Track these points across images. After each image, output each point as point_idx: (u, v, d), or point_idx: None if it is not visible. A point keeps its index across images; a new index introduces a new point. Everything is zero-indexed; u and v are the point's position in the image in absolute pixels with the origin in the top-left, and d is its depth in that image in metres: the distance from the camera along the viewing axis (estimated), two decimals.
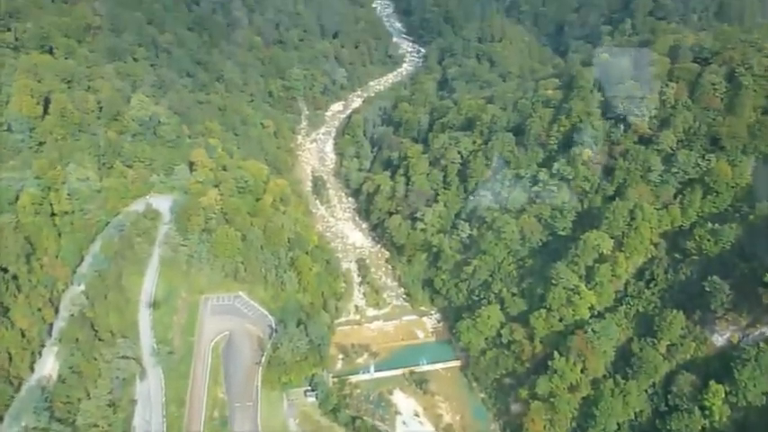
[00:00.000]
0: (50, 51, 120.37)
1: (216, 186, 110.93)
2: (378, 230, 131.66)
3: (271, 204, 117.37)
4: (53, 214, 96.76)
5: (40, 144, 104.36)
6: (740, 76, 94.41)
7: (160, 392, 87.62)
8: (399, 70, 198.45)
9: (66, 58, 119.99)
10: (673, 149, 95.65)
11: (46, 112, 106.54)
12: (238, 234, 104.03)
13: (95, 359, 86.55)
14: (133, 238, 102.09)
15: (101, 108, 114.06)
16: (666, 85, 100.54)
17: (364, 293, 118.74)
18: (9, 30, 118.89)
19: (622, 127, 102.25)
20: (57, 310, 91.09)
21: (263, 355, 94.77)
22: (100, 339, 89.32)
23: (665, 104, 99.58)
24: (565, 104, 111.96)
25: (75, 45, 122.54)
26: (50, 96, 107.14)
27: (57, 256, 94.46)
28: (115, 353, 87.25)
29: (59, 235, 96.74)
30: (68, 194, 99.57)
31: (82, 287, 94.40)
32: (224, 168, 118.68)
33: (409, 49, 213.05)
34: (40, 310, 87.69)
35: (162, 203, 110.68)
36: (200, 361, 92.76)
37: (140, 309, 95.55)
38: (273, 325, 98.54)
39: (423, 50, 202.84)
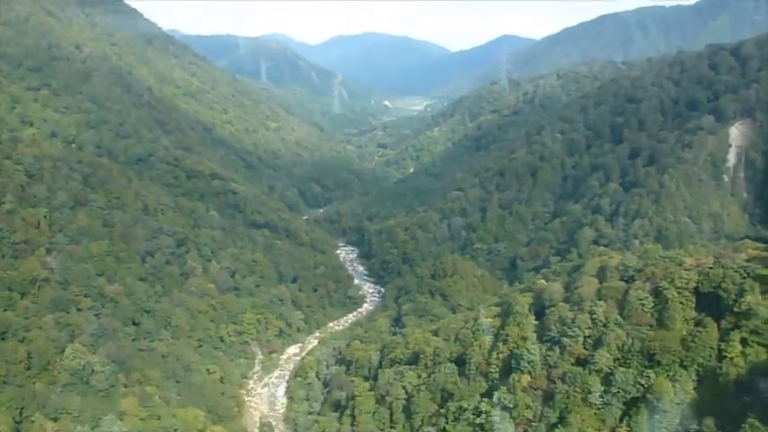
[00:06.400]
0: None
1: None
2: None
3: None
4: None
5: None
6: (664, 290, 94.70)
7: None
8: (360, 311, 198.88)
9: (4, 311, 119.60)
10: (610, 369, 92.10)
11: None
12: None
13: None
14: None
15: (30, 359, 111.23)
16: (596, 305, 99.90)
17: None
18: None
19: (558, 350, 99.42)
20: None
21: None
22: None
23: (596, 323, 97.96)
24: (502, 331, 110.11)
25: (17, 297, 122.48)
26: None
27: None
28: None
29: None
30: None
31: None
32: (158, 417, 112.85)
33: (371, 291, 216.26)
34: None
35: None
36: None
37: None
38: None
39: (383, 290, 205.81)
